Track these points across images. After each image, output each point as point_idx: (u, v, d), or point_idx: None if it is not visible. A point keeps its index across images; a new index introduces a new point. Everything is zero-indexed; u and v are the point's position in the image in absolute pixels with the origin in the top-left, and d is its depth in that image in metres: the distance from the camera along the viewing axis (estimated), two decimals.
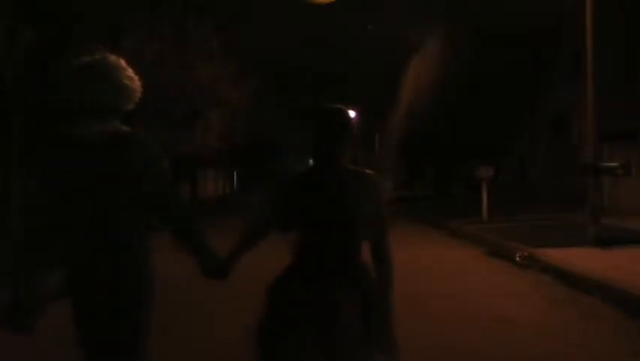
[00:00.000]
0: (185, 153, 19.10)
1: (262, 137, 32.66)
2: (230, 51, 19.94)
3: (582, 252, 8.67)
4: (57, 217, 2.38)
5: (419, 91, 24.42)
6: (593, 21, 9.72)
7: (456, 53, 21.30)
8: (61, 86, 2.37)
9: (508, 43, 19.12)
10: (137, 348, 2.44)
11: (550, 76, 19.63)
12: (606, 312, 5.74)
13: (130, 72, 2.41)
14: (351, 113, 2.53)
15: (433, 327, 5.15)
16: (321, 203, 2.42)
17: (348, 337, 2.36)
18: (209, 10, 18.89)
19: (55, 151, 2.39)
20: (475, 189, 15.82)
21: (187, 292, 6.29)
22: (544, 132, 21.30)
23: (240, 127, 24.08)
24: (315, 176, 2.49)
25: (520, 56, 19.26)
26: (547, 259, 8.16)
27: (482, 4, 19.35)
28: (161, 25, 16.80)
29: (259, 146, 35.14)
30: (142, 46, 15.60)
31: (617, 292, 6.12)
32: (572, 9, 13.64)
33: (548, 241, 9.54)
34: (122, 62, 2.40)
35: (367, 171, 2.52)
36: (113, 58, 2.39)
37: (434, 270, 8.17)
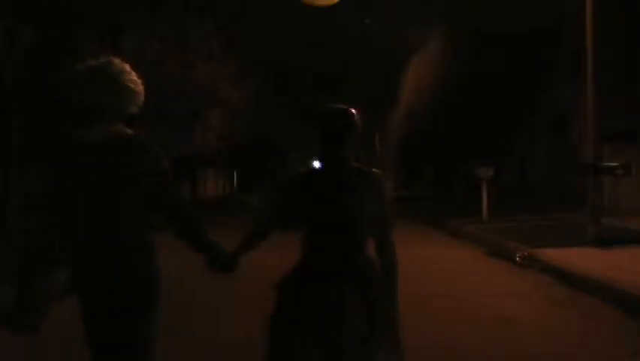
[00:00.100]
0: (185, 153, 19.10)
1: (262, 137, 32.66)
2: (230, 51, 19.95)
3: (582, 252, 8.67)
4: (61, 217, 2.40)
5: (419, 91, 24.44)
6: (593, 21, 9.72)
7: (456, 53, 21.32)
8: (67, 89, 2.41)
9: (508, 44, 19.12)
10: (142, 349, 2.45)
11: (550, 76, 19.63)
12: (606, 312, 5.74)
13: (133, 76, 2.45)
14: (355, 113, 2.55)
15: (433, 327, 5.15)
16: (325, 202, 2.45)
17: (355, 334, 2.38)
18: (209, 10, 18.90)
19: (60, 152, 2.40)
20: (475, 189, 15.82)
21: (191, 291, 6.30)
22: (544, 132, 21.30)
23: (240, 127, 24.08)
24: (319, 175, 2.52)
25: (520, 56, 19.26)
26: (547, 259, 8.16)
27: (482, 4, 19.35)
28: (161, 25, 16.80)
29: (259, 146, 35.14)
30: (142, 46, 15.61)
31: (617, 292, 6.12)
32: (572, 9, 13.65)
33: (548, 241, 9.54)
34: (126, 66, 2.43)
35: (372, 169, 2.54)
36: (117, 62, 2.42)
37: (434, 270, 8.17)
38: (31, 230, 2.43)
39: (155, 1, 16.81)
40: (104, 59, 2.41)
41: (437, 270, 8.21)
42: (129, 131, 2.42)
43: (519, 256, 8.72)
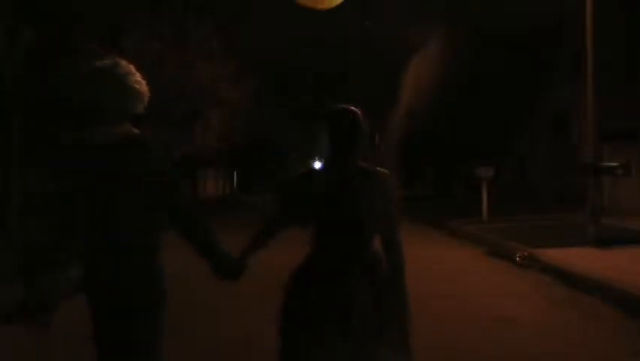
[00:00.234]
0: (185, 153, 19.10)
1: (262, 137, 32.66)
2: (230, 51, 19.95)
3: (582, 252, 8.67)
4: (63, 217, 2.42)
5: (419, 91, 24.42)
6: (593, 21, 9.72)
7: (456, 53, 21.31)
8: (73, 89, 2.42)
9: (508, 44, 19.11)
10: (147, 349, 2.46)
11: (550, 76, 19.62)
12: (606, 312, 5.74)
13: (139, 77, 2.47)
14: (361, 113, 2.60)
15: (433, 327, 5.14)
16: (331, 201, 2.49)
17: (363, 332, 2.41)
18: (209, 10, 18.90)
19: (63, 152, 2.42)
20: (475, 189, 15.82)
21: (193, 290, 6.29)
22: (544, 132, 21.30)
23: (240, 127, 24.09)
24: (327, 174, 2.56)
25: (520, 56, 19.25)
26: (547, 259, 8.16)
27: (482, 4, 19.35)
28: (161, 25, 16.80)
29: (259, 146, 35.15)
30: (142, 46, 15.61)
31: (617, 292, 6.12)
32: (572, 9, 13.65)
33: (548, 241, 9.54)
34: (132, 67, 2.45)
35: (378, 168, 2.58)
36: (123, 63, 2.44)
37: (434, 270, 8.17)
38: (31, 230, 2.44)
39: (155, 1, 16.81)
40: (110, 60, 2.43)
41: (437, 270, 8.21)
42: (136, 131, 2.44)
43: (519, 256, 8.72)
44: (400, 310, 2.55)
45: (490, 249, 10.15)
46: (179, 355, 4.41)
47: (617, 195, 15.55)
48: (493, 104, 20.59)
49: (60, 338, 5.16)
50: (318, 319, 2.45)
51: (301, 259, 2.65)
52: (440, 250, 10.40)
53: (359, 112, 2.59)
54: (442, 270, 8.25)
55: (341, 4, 5.57)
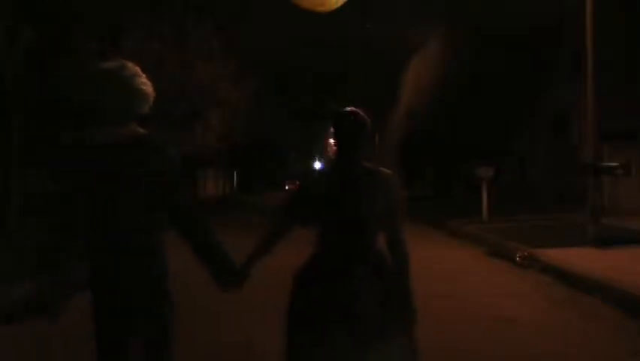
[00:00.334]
0: (185, 153, 19.10)
1: (262, 137, 32.67)
2: (230, 51, 19.96)
3: (582, 252, 8.66)
4: (65, 217, 2.44)
5: (419, 91, 24.43)
6: (593, 21, 9.72)
7: (456, 53, 21.31)
8: (79, 90, 2.44)
9: (508, 44, 19.10)
10: (151, 351, 2.48)
11: (550, 76, 19.62)
12: (606, 312, 5.74)
13: (144, 78, 2.50)
14: (365, 116, 2.68)
15: (433, 327, 5.13)
16: (335, 201, 2.55)
17: (367, 327, 2.45)
18: (209, 10, 18.91)
19: (68, 152, 2.43)
20: (475, 189, 15.82)
21: (193, 294, 6.28)
22: (544, 132, 21.29)
23: (240, 127, 24.10)
24: (334, 174, 2.63)
25: (520, 56, 19.24)
26: (547, 259, 8.16)
27: (482, 4, 19.34)
28: (161, 25, 16.80)
29: (259, 146, 35.16)
30: (142, 46, 15.60)
31: (617, 292, 6.12)
32: (572, 9, 13.64)
33: (548, 241, 9.54)
34: (138, 69, 2.48)
35: (382, 168, 2.64)
36: (130, 65, 2.48)
37: (434, 270, 8.16)
38: (41, 230, 2.46)
39: (155, 1, 16.80)
40: (117, 62, 2.46)
41: (437, 270, 8.21)
42: (142, 130, 2.46)
43: (519, 256, 8.72)
44: (405, 310, 2.60)
45: (490, 249, 10.15)
46: (178, 359, 4.41)
47: (617, 195, 15.55)
48: (493, 104, 20.58)
49: (60, 338, 5.16)
50: (321, 319, 2.48)
51: (303, 261, 2.67)
52: (440, 250, 10.40)
53: (363, 114, 2.65)
54: (442, 270, 8.25)
55: (340, 6, 5.58)
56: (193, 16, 18.09)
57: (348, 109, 2.70)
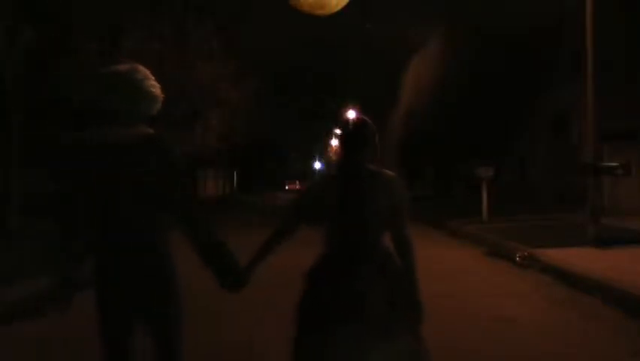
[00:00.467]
0: (185, 153, 19.10)
1: (262, 137, 32.66)
2: (230, 51, 19.96)
3: (582, 252, 8.66)
4: (68, 218, 2.48)
5: (419, 91, 24.42)
6: (593, 21, 9.71)
7: (456, 53, 21.30)
8: (90, 91, 2.52)
9: (508, 44, 19.10)
10: (163, 350, 2.52)
11: (550, 76, 19.62)
12: (606, 312, 5.74)
13: (153, 80, 2.57)
14: (371, 122, 2.87)
15: (433, 327, 5.11)
16: (343, 202, 2.67)
17: (376, 323, 2.54)
18: (209, 10, 18.91)
19: (75, 152, 2.46)
20: (475, 189, 15.82)
21: (194, 294, 6.27)
22: (544, 132, 21.29)
23: (240, 127, 24.10)
24: (339, 177, 2.75)
25: (520, 56, 19.24)
26: (547, 259, 8.16)
27: (482, 4, 19.34)
28: (161, 25, 16.81)
29: (259, 146, 35.15)
30: (142, 46, 15.60)
31: (617, 292, 6.12)
32: (572, 9, 13.64)
33: (548, 241, 9.53)
34: (147, 72, 2.55)
35: (386, 171, 2.79)
36: (140, 68, 2.54)
37: (434, 270, 8.16)
38: (52, 231, 2.51)
39: (155, 1, 16.81)
40: (129, 65, 2.51)
41: (437, 270, 8.20)
42: (150, 131, 2.50)
43: (519, 256, 8.72)
44: (412, 308, 2.71)
45: (490, 249, 10.15)
46: None
47: (617, 195, 15.55)
48: (493, 104, 20.57)
49: (60, 338, 5.16)
50: (328, 319, 2.56)
51: (305, 262, 2.71)
52: (440, 250, 10.40)
53: (369, 121, 2.83)
54: (442, 270, 8.25)
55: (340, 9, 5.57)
56: (193, 16, 18.09)
57: (356, 116, 2.90)
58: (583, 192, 10.44)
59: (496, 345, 4.77)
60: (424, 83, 24.02)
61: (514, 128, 21.78)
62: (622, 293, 6.02)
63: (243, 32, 21.95)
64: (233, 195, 39.30)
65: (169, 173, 2.45)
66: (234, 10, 21.18)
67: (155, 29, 16.43)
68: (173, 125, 17.25)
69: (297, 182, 69.59)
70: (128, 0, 15.46)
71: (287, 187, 66.04)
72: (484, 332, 5.15)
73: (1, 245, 10.94)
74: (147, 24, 16.07)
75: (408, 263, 2.75)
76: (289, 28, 25.01)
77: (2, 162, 13.03)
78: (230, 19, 20.87)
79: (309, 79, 33.74)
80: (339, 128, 2.85)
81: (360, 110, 27.16)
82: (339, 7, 5.51)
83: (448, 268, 8.45)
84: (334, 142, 65.54)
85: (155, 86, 2.55)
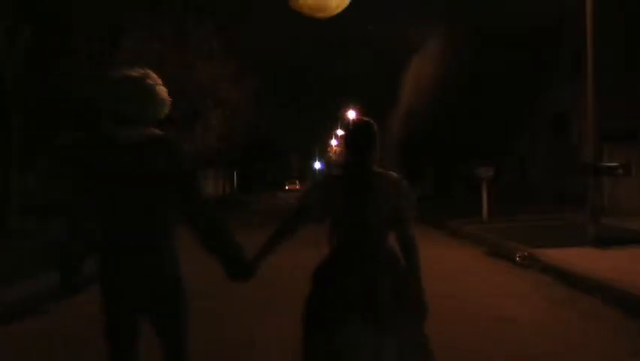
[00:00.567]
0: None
1: (262, 137, 32.65)
2: (230, 51, 19.95)
3: (582, 252, 8.66)
4: (71, 218, 2.53)
5: (419, 91, 24.41)
6: (593, 21, 9.71)
7: (456, 53, 21.31)
8: (106, 97, 2.57)
9: (508, 44, 19.10)
10: (172, 349, 2.58)
11: (550, 76, 19.62)
12: (606, 312, 5.74)
13: (161, 85, 2.65)
14: (375, 124, 2.93)
15: (433, 327, 5.12)
16: (351, 201, 2.73)
17: (381, 320, 2.60)
18: (209, 10, 18.90)
19: (91, 151, 2.52)
20: (475, 189, 15.82)
21: (197, 292, 6.29)
22: (544, 132, 21.29)
23: (240, 127, 24.07)
24: (347, 177, 2.81)
25: (520, 56, 19.24)
26: (547, 259, 8.16)
27: (482, 4, 19.34)
28: (161, 25, 16.79)
29: (259, 146, 35.13)
30: (142, 46, 15.60)
31: (617, 292, 6.12)
32: (572, 9, 13.64)
33: (548, 241, 9.53)
34: (156, 77, 2.64)
35: (390, 172, 2.86)
36: (152, 74, 2.62)
37: (434, 270, 8.14)
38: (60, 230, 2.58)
39: (155, 1, 16.80)
40: (141, 71, 2.59)
41: (437, 270, 8.20)
42: (160, 132, 2.58)
43: (519, 256, 8.72)
44: (416, 305, 2.78)
45: (490, 249, 10.15)
46: None
47: (617, 195, 15.55)
48: (493, 104, 20.57)
49: (60, 338, 5.17)
50: (335, 318, 2.62)
51: (305, 262, 2.72)
52: (440, 250, 10.39)
53: (373, 123, 2.89)
54: (442, 270, 8.24)
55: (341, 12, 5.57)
56: (193, 16, 18.08)
57: (362, 118, 2.98)
58: (583, 192, 10.44)
59: (496, 345, 4.77)
60: (424, 83, 24.02)
61: (514, 128, 21.77)
62: (622, 293, 6.02)
63: (243, 32, 21.95)
64: (233, 195, 39.28)
65: (178, 172, 2.51)
66: (234, 10, 21.18)
67: (155, 29, 16.42)
68: (173, 125, 17.24)
69: (297, 182, 69.60)
70: (128, 0, 15.45)
71: (287, 187, 65.98)
72: (484, 332, 5.15)
73: (1, 245, 10.94)
74: (147, 24, 16.06)
75: (412, 264, 2.80)
76: (289, 28, 25.02)
77: (2, 162, 13.03)
78: (230, 19, 20.86)
79: (309, 79, 33.74)
80: (344, 129, 2.92)
81: (361, 110, 27.17)
82: (340, 10, 5.51)
83: (448, 268, 8.45)
84: (334, 142, 65.56)
85: (164, 91, 2.64)
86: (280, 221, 2.89)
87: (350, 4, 5.55)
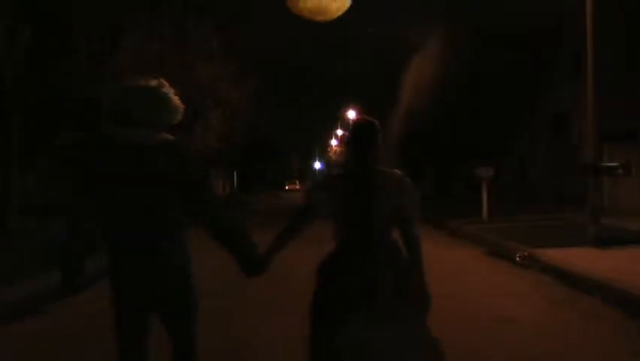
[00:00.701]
0: None
1: (262, 137, 32.64)
2: (230, 51, 19.94)
3: (582, 252, 8.66)
4: (74, 218, 2.57)
5: (419, 91, 24.41)
6: (593, 21, 9.71)
7: (456, 53, 21.30)
8: (120, 102, 2.64)
9: (508, 43, 19.10)
10: (182, 347, 2.66)
11: (550, 76, 19.61)
12: (606, 312, 5.74)
13: (175, 94, 2.76)
14: (377, 124, 2.98)
15: (433, 327, 5.12)
16: (353, 200, 2.78)
17: (386, 312, 2.65)
18: (209, 10, 18.90)
19: (103, 152, 2.57)
20: (475, 189, 15.81)
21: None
22: (544, 132, 21.29)
23: (240, 127, 24.06)
24: (351, 175, 2.85)
25: (520, 56, 19.23)
26: (547, 259, 8.16)
27: (482, 4, 19.34)
28: (161, 25, 16.80)
29: (259, 146, 35.12)
30: (142, 46, 15.60)
31: (617, 292, 6.12)
32: (572, 9, 13.64)
33: (548, 241, 9.53)
34: (169, 87, 2.74)
35: (394, 170, 2.91)
36: (165, 83, 2.73)
37: (434, 270, 8.10)
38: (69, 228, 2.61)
39: (155, 1, 16.80)
40: (156, 81, 2.70)
41: (437, 270, 8.17)
42: (171, 137, 2.66)
43: (519, 256, 8.72)
44: (419, 300, 2.84)
45: (490, 249, 10.15)
46: None
47: (617, 195, 15.55)
48: (493, 104, 20.57)
49: (60, 338, 5.17)
50: (338, 316, 2.66)
51: (310, 261, 2.76)
52: (440, 250, 10.39)
53: (375, 122, 2.94)
54: (442, 270, 8.24)
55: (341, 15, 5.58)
56: (193, 16, 18.08)
57: (364, 117, 3.03)
58: (583, 192, 10.44)
59: (496, 345, 4.77)
60: (424, 83, 24.01)
61: (514, 128, 21.77)
62: (622, 293, 6.02)
63: (243, 32, 21.94)
64: (233, 195, 39.27)
65: (178, 172, 2.56)
66: (234, 10, 21.17)
67: (155, 29, 16.43)
68: (175, 125, 17.22)
69: (297, 182, 69.55)
70: (128, 0, 15.45)
71: (287, 187, 65.93)
72: (484, 332, 5.15)
73: (1, 245, 10.95)
74: (147, 24, 16.07)
75: (416, 259, 2.86)
76: (289, 28, 24.99)
77: (2, 162, 13.02)
78: (230, 19, 20.86)
79: (309, 79, 33.75)
80: (347, 128, 2.97)
81: (361, 110, 27.15)
82: (340, 13, 5.53)
83: (448, 268, 8.44)
84: (334, 142, 65.54)
85: (177, 99, 2.75)
86: (288, 219, 2.95)
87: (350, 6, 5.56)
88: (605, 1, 10.41)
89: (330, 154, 65.02)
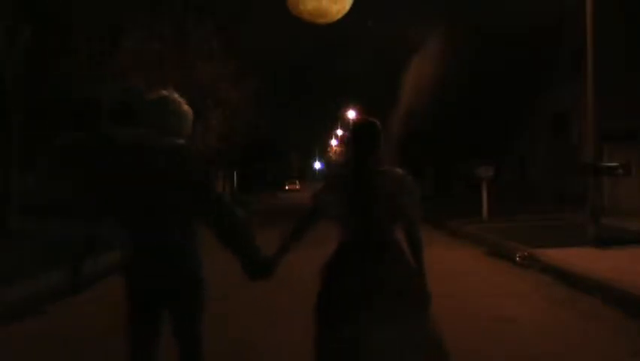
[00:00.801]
0: None
1: (262, 137, 32.64)
2: (230, 51, 19.93)
3: (582, 252, 8.66)
4: (93, 215, 2.64)
5: (419, 91, 24.39)
6: (593, 21, 9.71)
7: (456, 52, 21.29)
8: (139, 112, 2.79)
9: (508, 43, 19.10)
10: (189, 345, 2.68)
11: (550, 76, 19.61)
12: (606, 312, 5.74)
13: (185, 103, 2.83)
14: (379, 124, 2.98)
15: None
16: (354, 200, 2.80)
17: (388, 310, 2.68)
18: (209, 10, 18.89)
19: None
20: (475, 189, 15.82)
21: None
22: (544, 132, 21.29)
23: (240, 127, 24.06)
24: (354, 175, 2.88)
25: (520, 56, 19.23)
26: (547, 259, 8.16)
27: (482, 3, 19.34)
28: (161, 25, 16.79)
29: (259, 146, 35.11)
30: (142, 46, 15.60)
31: (617, 292, 6.12)
32: (572, 9, 13.64)
33: (548, 241, 9.53)
34: (181, 99, 2.82)
35: (395, 169, 2.92)
36: (176, 93, 2.80)
37: (434, 270, 8.08)
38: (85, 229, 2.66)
39: (155, 1, 16.79)
40: (169, 92, 2.78)
41: (437, 270, 8.16)
42: (182, 142, 2.71)
43: (519, 256, 8.72)
44: (420, 299, 2.88)
45: (490, 249, 10.15)
46: None
47: (617, 195, 15.55)
48: (493, 104, 20.56)
49: (60, 338, 5.17)
50: (337, 315, 2.70)
51: (313, 264, 2.78)
52: (440, 250, 10.39)
53: (377, 123, 2.95)
54: (442, 270, 8.23)
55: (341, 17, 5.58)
56: (193, 16, 18.07)
57: (365, 117, 3.05)
58: (583, 192, 10.44)
59: (496, 345, 4.77)
60: (424, 83, 23.99)
61: (514, 127, 21.77)
62: (622, 293, 6.02)
63: (243, 32, 21.93)
64: (233, 196, 39.28)
65: (179, 172, 2.58)
66: (234, 10, 21.16)
67: (155, 29, 16.41)
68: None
69: (297, 182, 69.50)
70: (128, 0, 15.45)
71: (287, 187, 65.88)
72: (484, 332, 5.15)
73: (1, 245, 10.95)
74: (147, 24, 16.05)
75: (418, 261, 2.90)
76: (289, 28, 24.99)
77: (2, 162, 13.02)
78: (230, 19, 20.85)
79: (309, 78, 33.76)
80: (349, 128, 2.98)
81: (361, 109, 27.15)
82: (340, 15, 5.52)
83: (449, 268, 8.44)
84: (334, 142, 65.50)
85: (189, 109, 2.83)
86: (295, 220, 2.98)
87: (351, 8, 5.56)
88: (605, 1, 10.41)
89: (330, 154, 65.03)
